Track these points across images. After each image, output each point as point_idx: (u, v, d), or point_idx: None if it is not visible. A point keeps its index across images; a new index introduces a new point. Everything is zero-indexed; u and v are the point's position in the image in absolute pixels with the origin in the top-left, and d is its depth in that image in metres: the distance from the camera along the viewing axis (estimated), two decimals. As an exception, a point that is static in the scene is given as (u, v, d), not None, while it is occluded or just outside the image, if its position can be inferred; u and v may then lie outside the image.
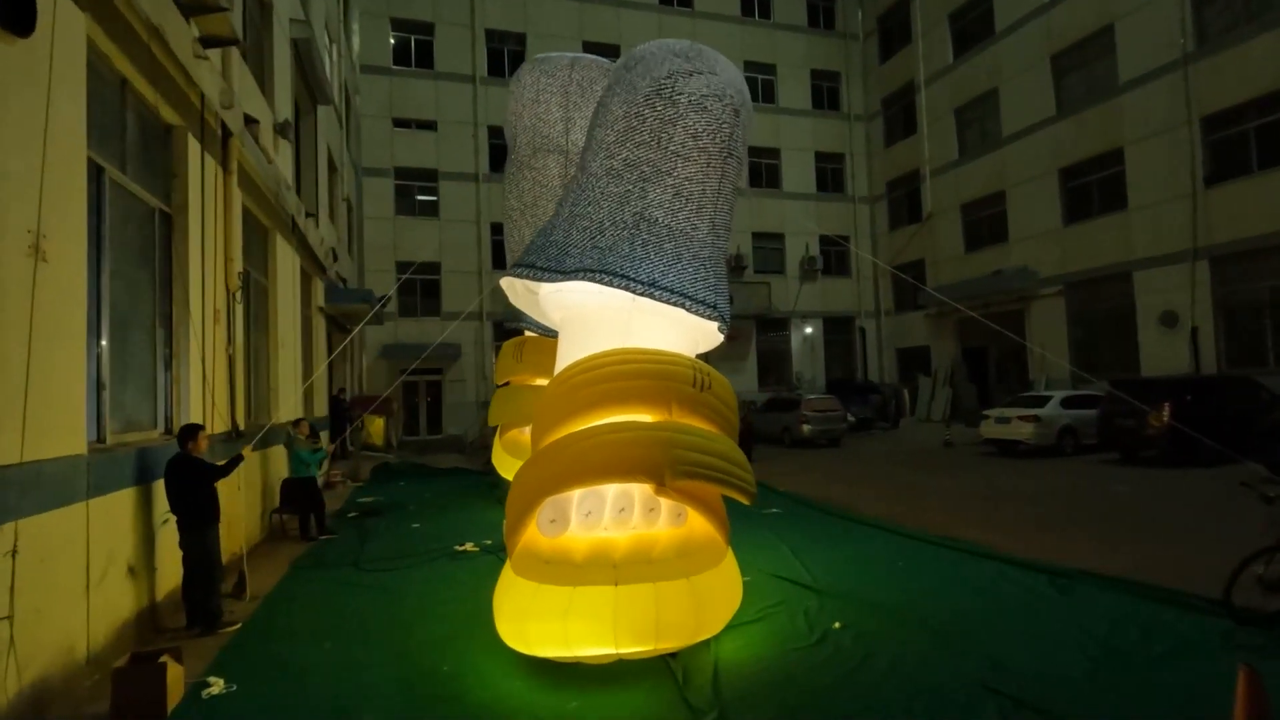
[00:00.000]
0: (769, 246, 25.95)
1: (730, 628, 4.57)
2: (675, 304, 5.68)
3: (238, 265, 7.22)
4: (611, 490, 4.36)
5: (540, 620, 3.78)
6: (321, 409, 13.65)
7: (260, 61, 9.56)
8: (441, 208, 22.16)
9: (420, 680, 4.10)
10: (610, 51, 23.45)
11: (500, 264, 22.36)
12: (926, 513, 8.79)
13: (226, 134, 7.08)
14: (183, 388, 6.02)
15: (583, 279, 5.72)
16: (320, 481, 12.79)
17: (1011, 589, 5.48)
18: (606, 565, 3.86)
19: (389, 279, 21.21)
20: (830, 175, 27.29)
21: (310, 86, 12.57)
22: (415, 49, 22.46)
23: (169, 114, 5.82)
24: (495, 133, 22.75)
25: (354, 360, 19.63)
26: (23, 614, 3.46)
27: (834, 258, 26.80)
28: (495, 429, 10.69)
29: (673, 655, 4.09)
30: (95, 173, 4.74)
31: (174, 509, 5.00)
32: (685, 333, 6.23)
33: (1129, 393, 11.23)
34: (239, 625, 5.15)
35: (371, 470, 14.55)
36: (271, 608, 5.66)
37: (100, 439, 4.71)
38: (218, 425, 6.65)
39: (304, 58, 11.46)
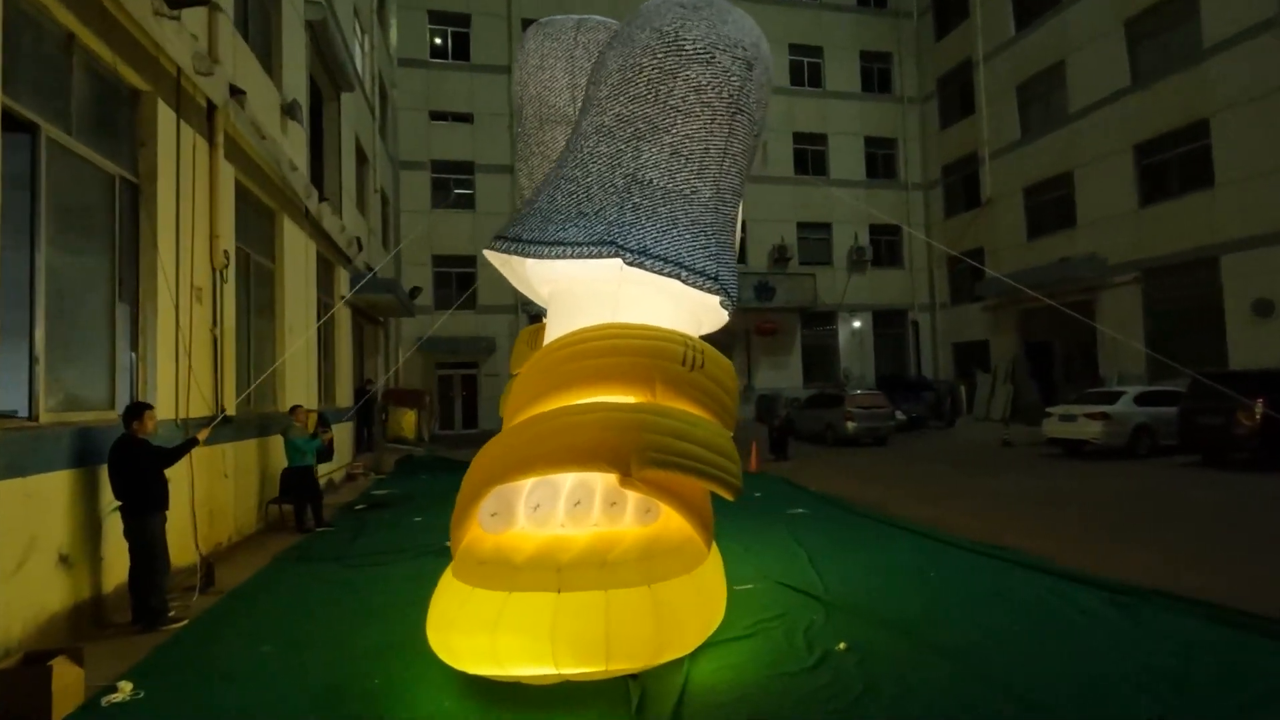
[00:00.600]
0: (815, 237, 24.86)
1: (711, 644, 3.90)
2: (668, 274, 5.04)
3: (224, 242, 6.92)
4: (569, 480, 3.75)
5: (467, 632, 3.19)
6: (345, 399, 13.51)
7: (267, 38, 9.34)
8: (478, 200, 21.98)
9: (346, 694, 3.58)
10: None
11: (536, 256, 22.06)
12: (973, 517, 7.86)
13: (213, 105, 6.80)
14: (150, 366, 5.71)
15: (569, 253, 5.14)
16: (342, 474, 12.66)
17: (1062, 608, 4.61)
18: (550, 568, 3.24)
19: (425, 272, 21.18)
20: (881, 161, 25.97)
21: (331, 72, 12.39)
22: (452, 41, 22.35)
23: (133, 77, 5.50)
24: (531, 123, 22.43)
25: (388, 353, 19.60)
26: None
27: (884, 248, 25.48)
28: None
29: (633, 676, 3.45)
30: (30, 129, 4.41)
31: (117, 494, 4.64)
32: (685, 309, 5.57)
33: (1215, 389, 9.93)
34: (184, 622, 4.76)
35: (395, 463, 14.36)
36: (231, 604, 5.26)
37: (31, 416, 4.38)
38: (198, 408, 6.35)
39: (320, 41, 11.25)
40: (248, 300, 8.34)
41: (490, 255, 5.71)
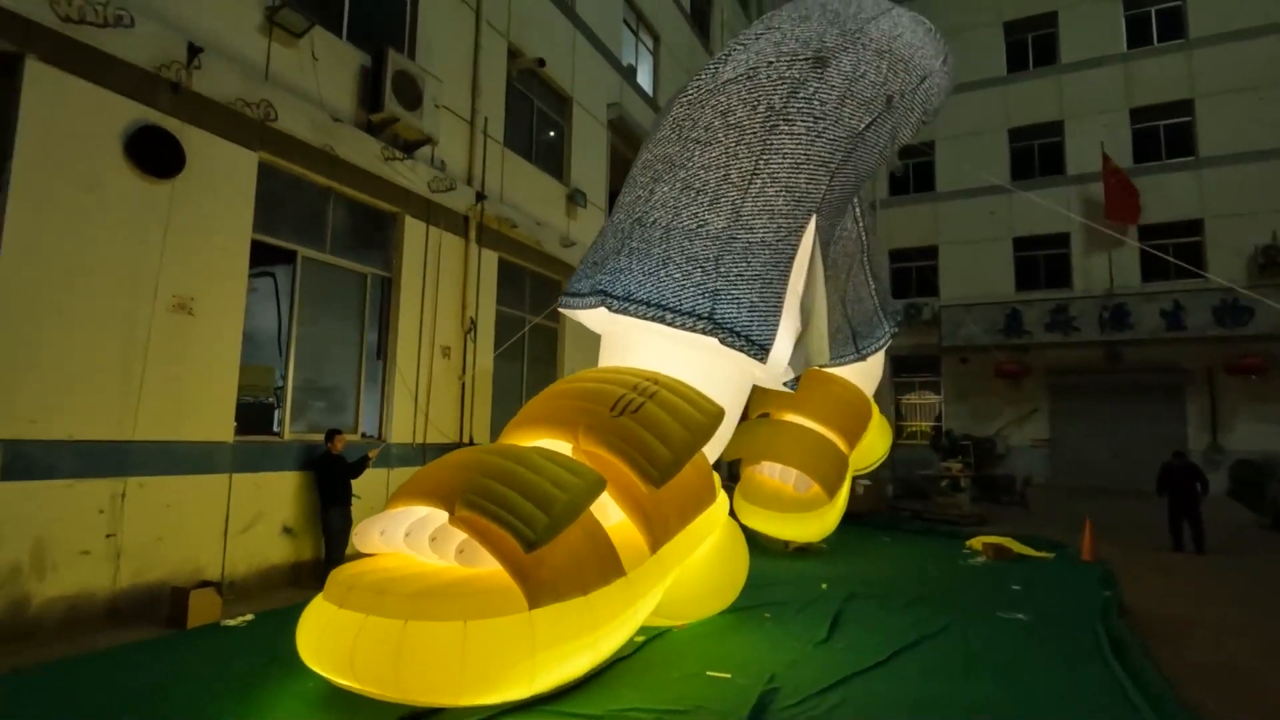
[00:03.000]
0: (1342, 225, 16.55)
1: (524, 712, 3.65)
2: (653, 318, 4.99)
3: (471, 311, 9.11)
4: (423, 513, 4.11)
5: (301, 621, 3.89)
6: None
7: (557, 142, 11.74)
8: (837, 242, 21.73)
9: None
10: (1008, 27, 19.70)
11: (900, 293, 20.54)
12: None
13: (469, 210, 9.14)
14: (391, 405, 8.02)
15: (575, 304, 5.48)
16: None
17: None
18: (347, 586, 3.71)
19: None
20: None
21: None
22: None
23: (383, 204, 7.99)
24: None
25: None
26: (142, 539, 5.47)
27: None
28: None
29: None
30: (290, 254, 7.01)
31: (318, 490, 6.79)
32: (708, 352, 5.15)
33: None
34: (347, 589, 6.57)
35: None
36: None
37: (278, 433, 6.84)
38: (434, 437, 8.49)
39: (622, 132, 13.37)
40: (523, 354, 10.56)
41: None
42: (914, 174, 21.12)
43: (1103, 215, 18.08)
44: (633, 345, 5.28)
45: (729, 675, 4.39)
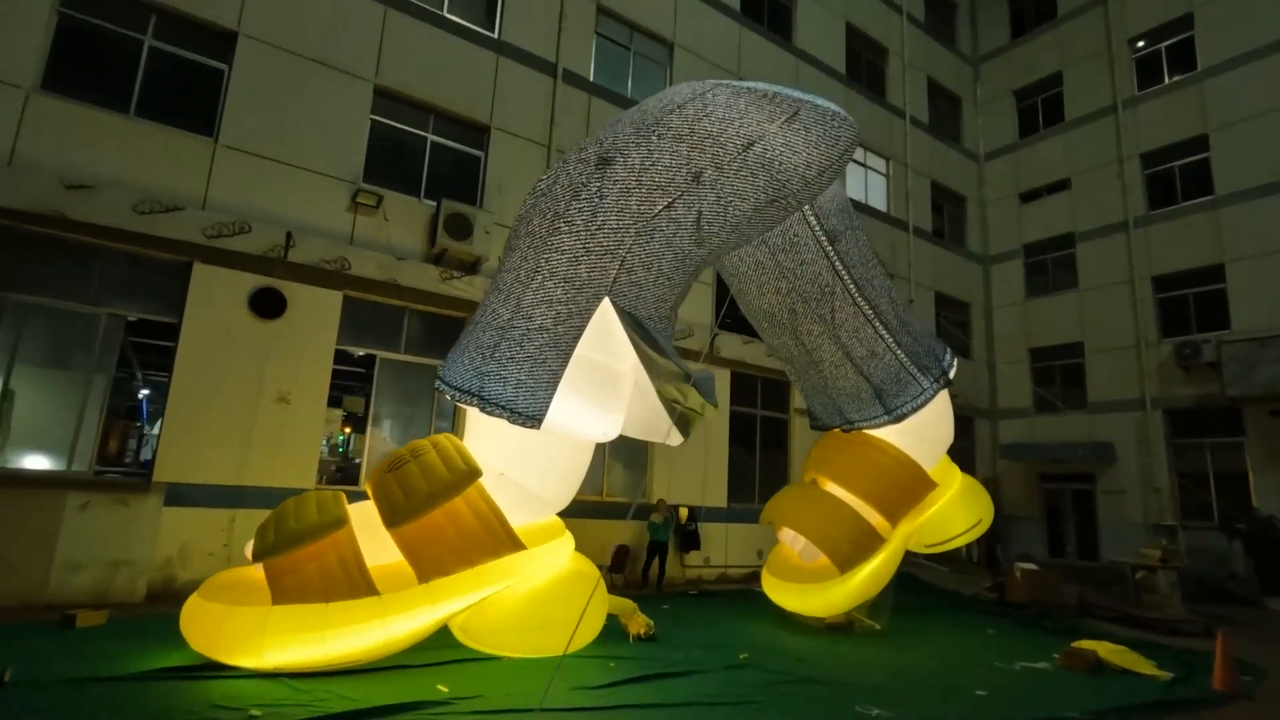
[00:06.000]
0: None
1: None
2: (445, 394, 6.37)
3: (534, 388, 11.02)
4: (268, 536, 6.01)
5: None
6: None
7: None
8: (1080, 275, 18.07)
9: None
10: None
11: (1172, 329, 16.28)
12: None
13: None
14: (455, 466, 10.27)
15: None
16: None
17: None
18: (209, 580, 5.80)
19: (1022, 369, 18.85)
20: None
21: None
22: (1042, 108, 19.85)
23: (449, 312, 10.56)
24: (1151, 159, 17.20)
25: (979, 460, 18.38)
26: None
27: None
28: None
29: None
30: (368, 359, 9.91)
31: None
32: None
33: None
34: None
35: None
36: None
37: (356, 484, 9.57)
38: (495, 492, 10.47)
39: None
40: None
41: None
42: (1181, 178, 16.70)
43: None
44: (473, 417, 6.54)
45: (447, 690, 5.27)
